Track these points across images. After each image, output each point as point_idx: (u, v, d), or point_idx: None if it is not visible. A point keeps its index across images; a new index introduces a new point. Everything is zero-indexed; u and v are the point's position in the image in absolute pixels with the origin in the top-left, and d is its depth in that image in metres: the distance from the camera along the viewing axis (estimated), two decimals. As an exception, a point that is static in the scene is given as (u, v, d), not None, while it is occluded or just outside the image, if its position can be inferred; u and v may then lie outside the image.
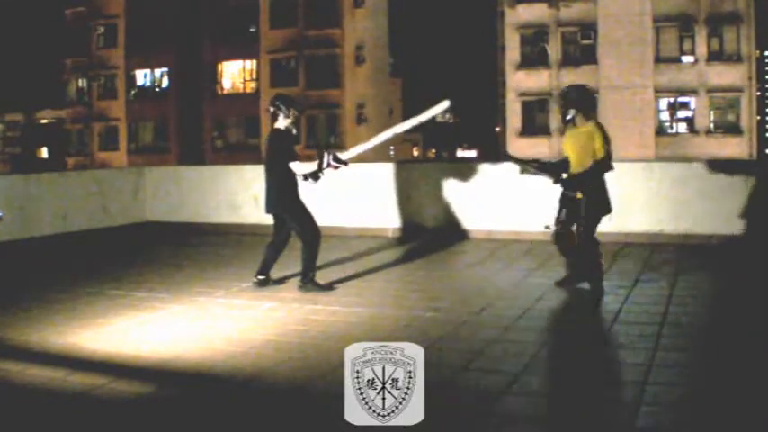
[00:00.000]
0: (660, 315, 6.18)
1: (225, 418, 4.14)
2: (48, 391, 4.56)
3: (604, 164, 6.78)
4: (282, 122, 7.35)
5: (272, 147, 7.31)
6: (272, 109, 7.39)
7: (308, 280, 7.28)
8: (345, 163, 7.24)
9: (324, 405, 4.22)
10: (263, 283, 7.56)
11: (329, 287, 7.40)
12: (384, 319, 6.21)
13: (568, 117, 6.95)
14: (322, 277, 7.62)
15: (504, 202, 10.77)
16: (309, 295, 7.12)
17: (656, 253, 9.29)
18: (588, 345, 5.40)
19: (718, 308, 6.67)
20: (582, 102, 6.98)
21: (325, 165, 7.16)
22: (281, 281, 7.78)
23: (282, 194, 7.28)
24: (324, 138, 44.37)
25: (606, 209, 6.93)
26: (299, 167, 7.22)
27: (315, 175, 7.23)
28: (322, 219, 11.42)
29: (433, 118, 7.59)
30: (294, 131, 7.50)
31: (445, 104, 7.42)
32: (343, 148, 42.92)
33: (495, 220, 10.84)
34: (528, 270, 8.32)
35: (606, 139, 6.80)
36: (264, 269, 7.62)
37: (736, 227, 9.73)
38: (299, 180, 7.29)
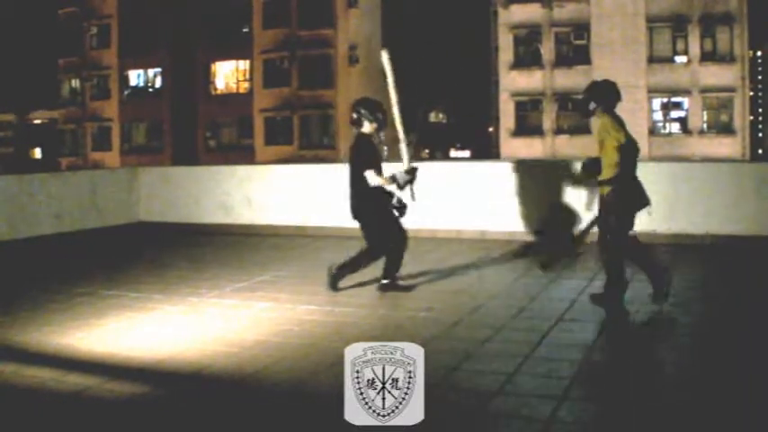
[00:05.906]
0: (654, 314, 6.21)
1: (219, 418, 4.14)
2: (43, 392, 4.56)
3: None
4: (368, 127, 7.07)
5: (354, 152, 7.04)
6: (354, 115, 7.07)
7: (337, 272, 7.18)
8: (413, 171, 7.01)
9: (318, 405, 4.23)
10: (386, 288, 7.23)
11: (334, 288, 7.22)
12: (378, 320, 6.21)
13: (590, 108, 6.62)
14: (319, 278, 7.63)
15: (497, 201, 10.79)
16: (304, 296, 7.12)
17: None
18: (582, 344, 5.42)
19: (713, 307, 6.69)
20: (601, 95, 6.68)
21: (402, 183, 6.91)
22: (278, 281, 7.78)
23: (363, 202, 7.02)
24: (316, 137, 44.33)
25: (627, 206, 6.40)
26: (373, 178, 6.90)
27: (401, 188, 6.97)
28: (321, 219, 11.52)
29: (394, 76, 7.22)
30: (380, 137, 7.14)
31: (384, 56, 7.20)
32: (335, 147, 42.94)
33: (487, 219, 10.87)
34: (521, 270, 8.34)
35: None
36: (389, 273, 7.30)
37: (728, 227, 9.77)
38: (393, 189, 7.02)
